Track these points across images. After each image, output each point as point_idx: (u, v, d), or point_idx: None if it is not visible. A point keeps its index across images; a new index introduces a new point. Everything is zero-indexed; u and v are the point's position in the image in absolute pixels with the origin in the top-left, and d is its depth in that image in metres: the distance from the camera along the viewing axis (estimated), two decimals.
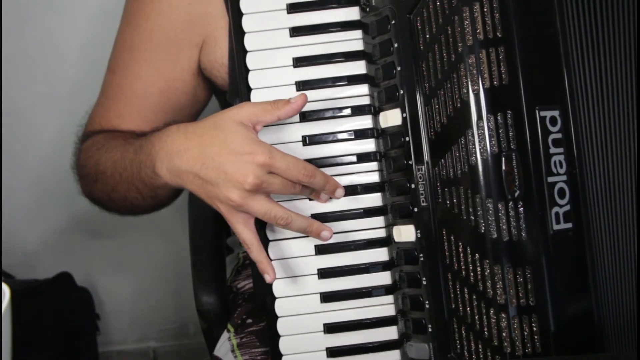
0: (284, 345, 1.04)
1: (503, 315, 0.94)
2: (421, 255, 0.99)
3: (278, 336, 1.04)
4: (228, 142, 0.97)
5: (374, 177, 1.03)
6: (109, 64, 1.21)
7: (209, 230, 1.36)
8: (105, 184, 1.15)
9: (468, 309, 0.96)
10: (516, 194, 0.93)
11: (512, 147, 0.93)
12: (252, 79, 1.02)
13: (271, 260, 1.03)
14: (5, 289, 0.80)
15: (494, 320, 0.94)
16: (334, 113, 1.02)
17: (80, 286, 1.92)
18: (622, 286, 0.97)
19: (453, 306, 0.97)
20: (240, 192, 0.96)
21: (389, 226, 1.03)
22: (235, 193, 0.97)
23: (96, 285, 2.00)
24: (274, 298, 1.03)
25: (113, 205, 1.20)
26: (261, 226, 1.03)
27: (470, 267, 0.95)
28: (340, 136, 1.03)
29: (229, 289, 1.32)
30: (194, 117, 1.24)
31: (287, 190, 0.98)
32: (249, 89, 1.02)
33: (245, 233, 1.00)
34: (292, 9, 1.02)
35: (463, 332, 0.97)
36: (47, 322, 1.73)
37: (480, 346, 0.96)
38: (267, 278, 1.01)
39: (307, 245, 1.03)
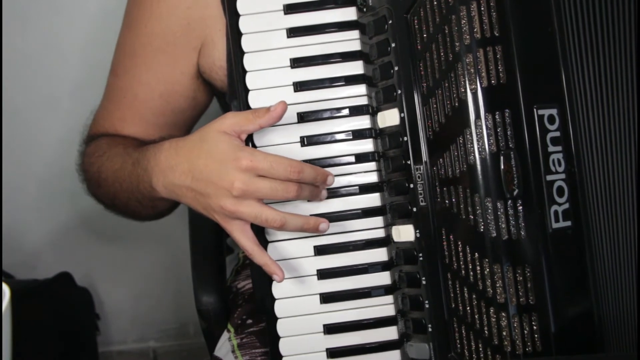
0: (284, 346, 1.04)
1: (503, 314, 0.94)
2: (420, 255, 0.99)
3: (278, 337, 1.04)
4: (212, 152, 0.98)
5: (373, 177, 1.03)
6: (112, 67, 1.22)
7: (209, 230, 1.35)
8: (108, 192, 1.17)
9: (468, 308, 0.96)
10: (515, 193, 0.93)
11: (511, 145, 0.93)
12: (250, 81, 1.02)
13: None
14: (5, 289, 0.80)
15: (494, 320, 0.94)
16: (331, 113, 1.02)
17: (80, 286, 1.92)
18: (622, 284, 0.97)
19: (453, 306, 0.97)
20: (231, 200, 0.97)
21: (387, 226, 1.03)
22: (226, 201, 0.97)
23: (96, 285, 2.00)
24: (273, 299, 1.03)
25: (116, 210, 1.22)
26: (260, 229, 1.03)
27: (470, 267, 0.95)
28: (339, 136, 1.03)
29: (229, 289, 1.32)
30: (195, 120, 1.25)
31: (278, 193, 0.97)
32: (247, 91, 1.02)
33: (243, 240, 1.00)
34: (288, 9, 1.02)
35: (463, 331, 0.97)
36: (47, 322, 1.73)
37: (480, 345, 0.96)
38: (276, 279, 1.00)
39: (306, 246, 1.03)
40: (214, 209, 0.99)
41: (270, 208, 0.98)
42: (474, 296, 0.95)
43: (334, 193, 1.03)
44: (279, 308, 1.04)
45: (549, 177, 0.94)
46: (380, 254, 1.03)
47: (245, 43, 1.02)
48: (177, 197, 1.03)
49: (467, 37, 0.93)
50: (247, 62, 1.02)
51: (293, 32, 1.02)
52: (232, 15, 1.03)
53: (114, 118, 1.22)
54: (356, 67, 1.03)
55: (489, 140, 0.93)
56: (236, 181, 0.96)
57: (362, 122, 1.03)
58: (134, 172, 1.09)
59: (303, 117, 1.02)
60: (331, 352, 1.03)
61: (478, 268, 0.94)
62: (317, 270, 1.03)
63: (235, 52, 1.03)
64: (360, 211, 1.03)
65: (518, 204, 0.93)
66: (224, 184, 0.96)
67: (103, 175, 1.16)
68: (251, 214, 0.97)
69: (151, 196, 1.08)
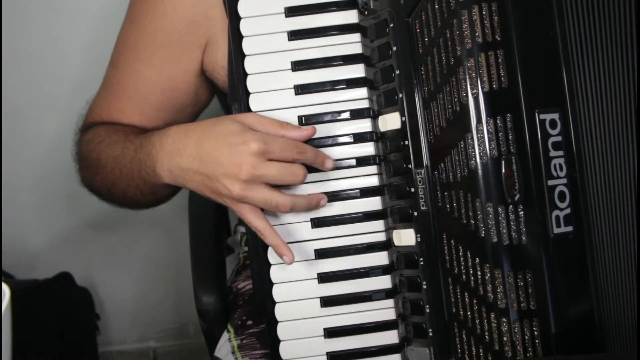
0: (284, 349, 1.03)
1: (504, 319, 0.93)
2: (421, 259, 0.98)
3: (278, 341, 1.03)
4: (223, 133, 0.98)
5: (374, 181, 1.03)
6: (112, 59, 1.21)
7: (209, 229, 1.35)
8: (106, 179, 1.16)
9: (469, 313, 0.95)
10: (516, 198, 0.93)
11: (512, 150, 0.93)
12: (251, 83, 1.02)
13: (271, 265, 1.03)
14: (5, 289, 0.80)
15: (494, 325, 0.94)
16: (333, 117, 1.02)
17: (80, 286, 1.92)
18: (624, 289, 0.97)
19: (454, 310, 0.97)
20: (239, 184, 0.96)
21: (388, 230, 1.02)
22: (234, 185, 0.96)
23: (96, 285, 2.00)
24: (273, 302, 1.03)
25: (112, 198, 1.21)
26: None
27: (471, 271, 0.95)
28: (340, 140, 1.02)
29: (229, 290, 1.32)
30: (195, 116, 1.24)
31: (286, 177, 0.97)
32: (248, 93, 1.02)
33: (255, 220, 1.00)
34: (290, 12, 1.02)
35: (464, 336, 0.96)
36: (47, 322, 1.73)
37: (481, 350, 0.95)
38: (286, 260, 1.00)
39: (307, 249, 1.03)
40: (222, 192, 0.98)
41: (278, 192, 0.98)
42: (474, 301, 0.95)
43: (334, 196, 1.03)
44: (279, 311, 1.03)
45: (551, 182, 0.93)
46: (381, 258, 1.03)
47: (246, 46, 1.02)
48: (183, 181, 1.02)
49: (469, 41, 0.93)
50: (248, 65, 1.02)
51: (294, 35, 1.02)
52: (233, 18, 1.02)
53: (112, 109, 1.21)
54: (357, 70, 1.03)
55: (490, 144, 0.93)
56: (245, 164, 0.95)
57: (363, 125, 1.03)
58: (135, 158, 1.08)
59: (304, 120, 1.02)
60: (331, 356, 1.03)
61: (479, 273, 0.94)
62: (318, 274, 1.03)
63: (236, 55, 1.02)
64: (361, 214, 1.03)
65: (519, 209, 0.93)
66: (232, 167, 0.96)
67: (102, 162, 1.14)
68: (261, 200, 0.97)
69: (153, 182, 1.07)
